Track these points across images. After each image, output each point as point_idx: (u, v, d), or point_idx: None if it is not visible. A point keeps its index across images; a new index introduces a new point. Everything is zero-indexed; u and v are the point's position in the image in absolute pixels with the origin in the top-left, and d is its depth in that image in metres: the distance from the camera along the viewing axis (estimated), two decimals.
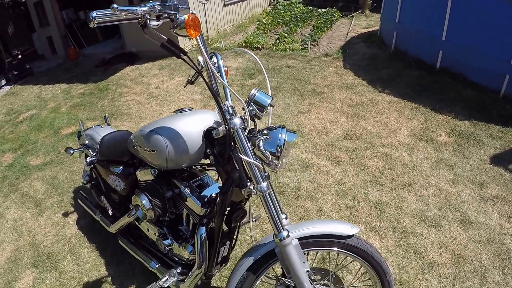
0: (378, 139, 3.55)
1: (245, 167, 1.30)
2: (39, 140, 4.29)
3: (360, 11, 9.48)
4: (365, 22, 8.60)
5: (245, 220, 1.70)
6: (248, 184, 1.34)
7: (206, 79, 1.30)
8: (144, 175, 1.82)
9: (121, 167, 1.94)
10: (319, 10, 9.49)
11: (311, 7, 9.94)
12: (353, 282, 1.84)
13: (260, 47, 6.44)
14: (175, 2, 1.13)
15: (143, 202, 1.60)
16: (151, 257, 1.91)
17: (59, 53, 8.00)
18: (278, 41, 6.58)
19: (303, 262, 1.34)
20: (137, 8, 1.08)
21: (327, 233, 1.38)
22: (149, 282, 2.10)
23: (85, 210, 2.75)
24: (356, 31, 7.69)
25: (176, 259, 1.81)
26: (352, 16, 9.04)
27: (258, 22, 7.93)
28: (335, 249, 1.41)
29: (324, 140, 3.56)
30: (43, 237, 2.67)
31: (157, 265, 1.84)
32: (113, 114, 4.69)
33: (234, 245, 1.74)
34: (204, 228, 1.51)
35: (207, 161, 1.54)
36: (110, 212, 2.20)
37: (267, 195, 1.28)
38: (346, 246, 1.41)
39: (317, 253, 2.10)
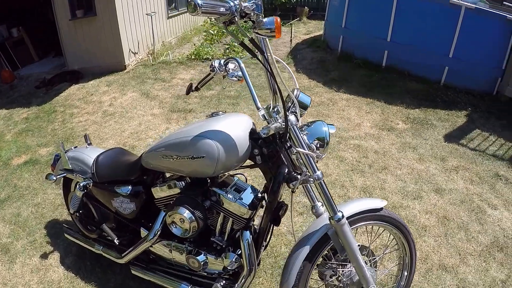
0: (347, 133, 4.06)
1: (292, 161, 1.51)
2: None
3: (298, 18, 10.36)
4: (304, 29, 9.42)
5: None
6: (299, 177, 1.49)
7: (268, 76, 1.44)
8: (162, 191, 1.77)
9: (129, 187, 1.87)
10: None
11: None
12: (385, 251, 2.04)
13: (210, 58, 6.73)
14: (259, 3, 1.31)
15: (185, 215, 1.57)
16: (178, 280, 1.84)
17: None
18: (227, 51, 6.95)
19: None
20: (243, 3, 1.24)
21: (368, 208, 1.63)
22: None
23: (67, 246, 2.56)
24: (299, 38, 8.41)
25: (205, 274, 1.80)
26: (291, 24, 9.82)
27: (205, 33, 8.25)
28: (375, 221, 1.67)
29: None
30: (24, 287, 2.34)
31: (189, 286, 1.80)
32: (68, 137, 4.55)
33: (267, 246, 1.85)
34: (248, 232, 1.60)
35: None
36: (116, 241, 2.03)
37: (322, 181, 1.47)
38: (382, 217, 1.67)
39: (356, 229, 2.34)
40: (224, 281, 1.70)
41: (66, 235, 2.41)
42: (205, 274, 1.80)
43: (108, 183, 1.95)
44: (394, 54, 5.47)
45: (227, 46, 7.21)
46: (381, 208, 1.67)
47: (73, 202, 2.13)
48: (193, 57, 6.74)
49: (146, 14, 6.59)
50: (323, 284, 1.79)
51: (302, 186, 1.56)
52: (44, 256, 2.55)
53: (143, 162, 1.76)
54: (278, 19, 1.33)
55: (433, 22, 4.97)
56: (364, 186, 3.13)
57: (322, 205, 1.64)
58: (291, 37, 8.45)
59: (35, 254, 2.57)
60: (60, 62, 7.23)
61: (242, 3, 1.24)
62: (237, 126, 1.52)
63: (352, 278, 1.69)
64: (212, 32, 8.08)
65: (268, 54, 1.41)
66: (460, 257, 2.34)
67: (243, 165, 1.60)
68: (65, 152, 2.23)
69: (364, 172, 3.34)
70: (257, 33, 1.35)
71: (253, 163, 1.60)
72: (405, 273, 1.85)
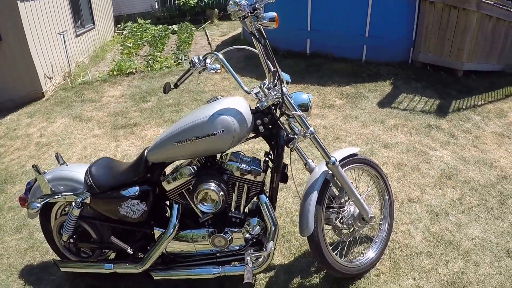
0: None
1: (285, 126, 1.90)
2: None
3: (210, 21, 10.82)
4: (218, 31, 9.91)
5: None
6: (296, 136, 1.89)
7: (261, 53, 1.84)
8: (174, 182, 1.92)
9: (137, 187, 1.94)
10: (171, 27, 10.37)
11: (160, 25, 10.73)
12: (368, 189, 2.50)
13: (133, 71, 6.80)
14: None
15: (212, 188, 1.80)
16: (205, 267, 2.03)
17: None
18: (150, 62, 7.09)
19: None
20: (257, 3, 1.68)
21: (349, 154, 2.14)
22: None
23: (57, 287, 2.35)
24: (216, 40, 8.87)
25: (228, 252, 2.02)
26: (203, 28, 10.23)
27: (121, 47, 8.22)
28: (356, 164, 2.18)
29: None
30: None
31: (219, 268, 2.00)
32: (6, 178, 4.29)
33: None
34: (264, 195, 1.91)
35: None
36: (130, 251, 2.06)
37: (315, 135, 1.93)
38: (360, 160, 2.20)
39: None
40: (252, 249, 1.95)
41: (63, 268, 2.26)
42: (228, 252, 2.03)
43: (111, 190, 1.99)
44: (316, 41, 6.27)
45: (149, 58, 7.34)
46: (357, 154, 2.20)
47: (66, 227, 2.06)
48: (115, 73, 6.75)
49: (58, 33, 6.43)
50: (331, 228, 2.23)
51: (295, 149, 1.94)
52: None
53: (150, 157, 1.92)
54: (275, 14, 1.73)
55: (347, 7, 5.88)
56: None
57: (312, 161, 2.10)
58: (208, 40, 8.87)
59: None
60: None
61: (257, 3, 1.68)
62: (239, 103, 1.84)
63: (353, 214, 2.17)
64: (129, 45, 8.12)
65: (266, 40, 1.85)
66: (421, 190, 2.98)
67: (248, 136, 1.91)
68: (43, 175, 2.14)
69: None
70: (260, 24, 1.74)
71: (254, 134, 1.93)
72: (386, 197, 2.38)
